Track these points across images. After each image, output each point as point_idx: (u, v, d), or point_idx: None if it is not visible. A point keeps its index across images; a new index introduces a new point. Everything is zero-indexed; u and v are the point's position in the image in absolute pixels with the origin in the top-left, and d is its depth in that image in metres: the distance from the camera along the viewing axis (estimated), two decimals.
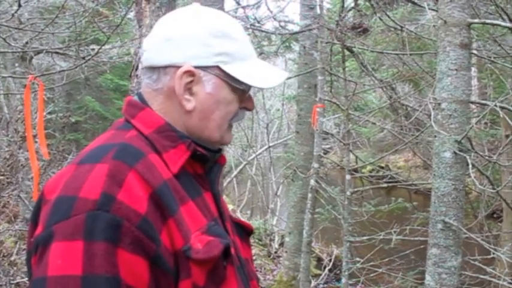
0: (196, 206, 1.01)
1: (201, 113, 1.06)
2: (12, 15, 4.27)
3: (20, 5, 3.60)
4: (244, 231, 1.23)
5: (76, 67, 4.63)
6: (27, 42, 6.49)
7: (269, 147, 11.48)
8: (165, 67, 1.05)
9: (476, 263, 3.67)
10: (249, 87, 1.10)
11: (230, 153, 12.89)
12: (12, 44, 5.56)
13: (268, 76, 1.11)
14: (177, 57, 1.04)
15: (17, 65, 7.70)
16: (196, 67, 1.04)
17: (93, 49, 6.72)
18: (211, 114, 1.06)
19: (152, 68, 1.07)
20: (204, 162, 1.09)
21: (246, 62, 1.08)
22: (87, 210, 0.85)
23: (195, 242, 0.94)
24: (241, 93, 1.10)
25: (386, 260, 5.65)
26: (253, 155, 11.76)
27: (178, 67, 1.03)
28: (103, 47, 4.36)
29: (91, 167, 0.91)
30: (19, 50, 6.06)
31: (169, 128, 1.05)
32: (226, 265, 0.99)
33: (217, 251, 0.95)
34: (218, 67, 1.05)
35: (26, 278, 5.70)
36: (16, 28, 5.28)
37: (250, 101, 1.14)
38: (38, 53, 7.31)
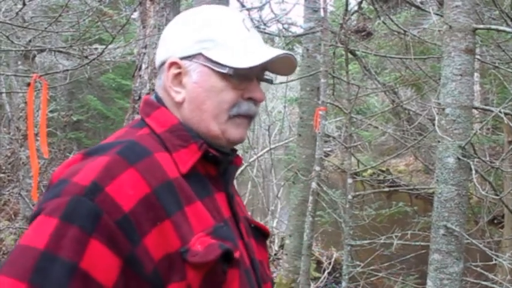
0: (205, 207, 1.00)
1: (192, 104, 1.04)
2: (17, 13, 4.27)
3: (24, 4, 3.59)
4: (261, 233, 1.22)
5: (80, 66, 4.62)
6: (30, 41, 6.50)
7: (270, 149, 11.46)
8: (161, 65, 1.08)
9: (478, 269, 3.66)
10: (243, 72, 1.03)
11: None
12: (16, 42, 5.55)
13: (254, 55, 1.03)
14: (168, 52, 1.07)
15: (19, 63, 7.71)
16: (182, 58, 1.04)
17: (96, 48, 6.72)
18: (202, 105, 1.04)
19: (158, 69, 1.11)
20: (217, 164, 1.08)
21: (234, 46, 1.04)
22: (73, 194, 0.87)
23: (196, 243, 0.92)
24: (236, 81, 1.04)
25: (387, 264, 5.64)
26: (255, 157, 11.75)
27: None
28: (107, 47, 4.36)
29: (94, 158, 0.94)
30: (22, 48, 6.06)
31: (182, 128, 1.04)
32: (228, 269, 0.96)
33: (214, 256, 0.92)
34: (202, 54, 1.03)
35: None
36: (20, 26, 5.28)
37: (256, 91, 1.07)
38: (41, 51, 7.31)
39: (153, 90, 3.37)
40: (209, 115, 1.03)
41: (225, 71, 1.02)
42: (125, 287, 0.86)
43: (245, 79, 1.05)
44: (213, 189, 1.05)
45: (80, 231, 0.83)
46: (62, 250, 0.82)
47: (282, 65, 1.09)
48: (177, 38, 1.06)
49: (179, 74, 1.04)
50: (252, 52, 1.04)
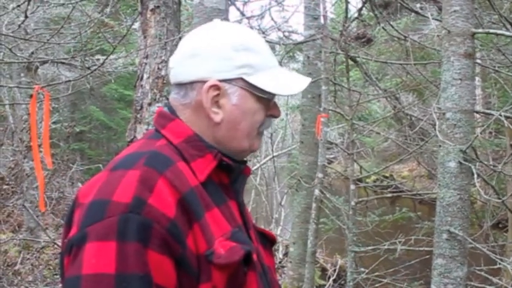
0: (221, 213, 1.06)
1: (229, 124, 1.10)
2: (19, 26, 4.30)
3: (26, 16, 3.62)
4: (268, 240, 1.27)
5: (82, 77, 4.66)
6: (32, 53, 6.54)
7: (273, 157, 11.46)
8: (192, 83, 1.11)
9: (482, 273, 3.65)
10: (273, 95, 1.14)
11: None
12: (18, 54, 5.59)
13: (291, 83, 1.15)
14: (202, 72, 1.09)
15: (22, 75, 7.75)
16: (221, 80, 1.09)
17: (98, 59, 6.76)
18: (238, 125, 1.11)
19: (179, 84, 1.13)
20: (230, 172, 1.13)
21: (269, 72, 1.12)
22: (120, 212, 0.91)
23: (218, 247, 0.99)
24: (267, 102, 1.14)
25: (391, 270, 5.62)
26: (258, 165, 11.75)
27: (203, 82, 1.09)
28: (108, 57, 4.39)
29: (123, 172, 0.97)
30: (25, 60, 6.10)
31: (198, 139, 1.10)
32: (247, 271, 1.02)
33: (238, 257, 0.99)
34: (242, 79, 1.10)
35: None
36: (22, 39, 5.32)
37: (276, 108, 1.18)
38: (44, 63, 7.36)
39: (155, 100, 3.37)
40: (243, 134, 1.12)
41: (265, 96, 1.12)
42: (180, 285, 0.94)
43: (271, 100, 1.16)
44: (226, 197, 1.12)
45: (138, 245, 0.89)
46: (132, 268, 0.88)
47: None
48: (214, 60, 1.09)
49: (217, 95, 1.09)
50: (288, 79, 1.15)
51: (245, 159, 1.21)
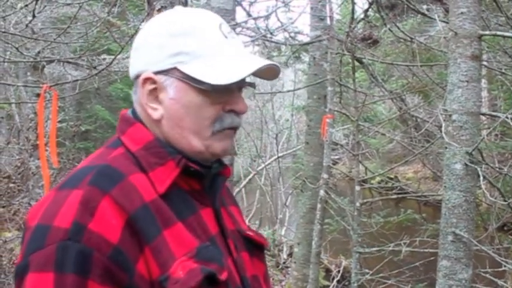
0: (187, 227, 0.94)
1: (170, 121, 0.97)
2: (26, 25, 4.33)
3: (34, 16, 3.64)
4: (255, 246, 1.13)
5: (90, 77, 4.67)
6: (39, 52, 6.57)
7: (278, 157, 11.48)
8: (135, 78, 1.01)
9: (487, 275, 3.64)
10: (221, 86, 0.95)
11: (239, 163, 12.91)
12: (25, 54, 5.62)
13: (233, 70, 0.95)
14: (140, 65, 1.00)
15: (29, 74, 7.80)
16: (156, 72, 0.97)
17: (104, 59, 6.78)
18: (181, 122, 0.97)
19: (133, 81, 1.03)
20: (201, 178, 1.01)
21: (208, 58, 0.96)
22: (59, 240, 0.83)
23: (177, 269, 0.88)
24: (214, 94, 0.96)
25: (396, 271, 5.62)
26: (262, 165, 11.77)
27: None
28: (116, 57, 4.40)
29: (68, 192, 0.88)
30: (31, 59, 6.13)
31: (158, 144, 0.98)
32: None
33: (194, 283, 0.87)
34: (177, 69, 0.96)
35: None
36: (29, 38, 5.34)
37: (237, 102, 1.00)
38: (50, 62, 7.39)
39: None
40: (190, 132, 0.97)
41: (203, 87, 0.95)
42: None
43: (225, 91, 0.98)
44: (198, 206, 1.00)
45: (76, 277, 0.81)
46: None
47: (264, 72, 1.01)
48: (150, 49, 0.98)
49: (155, 89, 0.97)
50: (230, 65, 0.96)
51: (219, 160, 1.06)
